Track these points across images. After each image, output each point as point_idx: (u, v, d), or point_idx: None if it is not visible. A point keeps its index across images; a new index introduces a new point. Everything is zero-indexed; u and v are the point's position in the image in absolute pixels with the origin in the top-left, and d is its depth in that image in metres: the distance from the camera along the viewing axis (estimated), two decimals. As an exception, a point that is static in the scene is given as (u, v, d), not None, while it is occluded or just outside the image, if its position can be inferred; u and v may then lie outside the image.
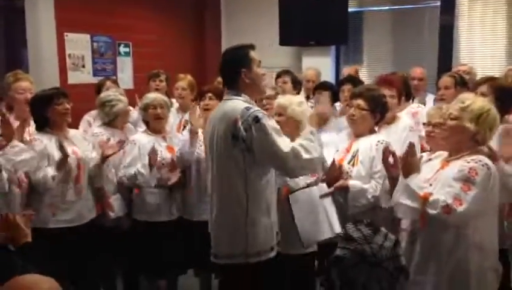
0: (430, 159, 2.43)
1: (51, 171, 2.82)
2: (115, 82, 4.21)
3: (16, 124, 2.91)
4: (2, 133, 2.74)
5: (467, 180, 2.11)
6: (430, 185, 2.22)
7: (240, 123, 2.23)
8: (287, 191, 2.71)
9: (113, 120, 3.40)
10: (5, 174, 2.63)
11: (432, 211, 2.11)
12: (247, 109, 2.27)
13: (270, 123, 2.31)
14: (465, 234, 2.17)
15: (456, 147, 2.26)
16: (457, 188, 2.11)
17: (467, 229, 2.17)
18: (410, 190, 2.18)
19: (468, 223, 2.16)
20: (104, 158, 3.07)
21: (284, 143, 2.28)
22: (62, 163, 2.85)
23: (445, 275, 2.19)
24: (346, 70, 5.04)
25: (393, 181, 2.38)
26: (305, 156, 2.30)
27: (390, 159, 2.39)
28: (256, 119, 2.24)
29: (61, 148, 2.82)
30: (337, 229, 2.57)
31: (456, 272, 2.18)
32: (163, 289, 3.63)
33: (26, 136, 3.02)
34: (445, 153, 2.35)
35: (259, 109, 2.37)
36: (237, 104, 2.33)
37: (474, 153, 2.20)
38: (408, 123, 3.15)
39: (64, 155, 2.83)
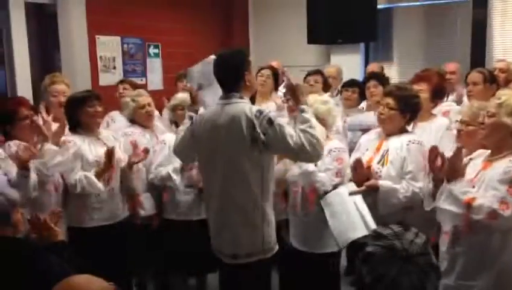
0: (470, 159, 2.35)
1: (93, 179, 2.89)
2: (130, 83, 4.23)
3: (54, 126, 2.97)
4: (39, 135, 2.80)
5: None
6: (473, 187, 2.15)
7: (257, 127, 2.30)
8: (314, 194, 2.77)
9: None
10: (34, 178, 2.60)
11: (476, 217, 2.05)
12: (260, 112, 2.33)
13: (281, 122, 2.37)
14: (511, 237, 2.10)
15: (498, 146, 2.18)
16: (503, 191, 2.04)
17: (512, 232, 2.10)
18: (454, 195, 2.12)
19: None
20: (131, 166, 3.13)
21: (292, 139, 2.31)
22: (105, 170, 2.93)
23: (490, 280, 2.12)
24: (370, 68, 4.96)
25: (438, 183, 2.28)
26: (309, 145, 2.30)
27: (438, 161, 2.30)
28: (270, 122, 2.31)
29: (108, 155, 2.90)
30: (372, 225, 2.50)
31: (502, 276, 2.11)
32: (193, 288, 3.67)
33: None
34: (486, 152, 2.26)
35: (267, 110, 2.45)
36: (243, 107, 2.37)
37: None
38: (445, 122, 3.02)
39: (109, 164, 2.92)
